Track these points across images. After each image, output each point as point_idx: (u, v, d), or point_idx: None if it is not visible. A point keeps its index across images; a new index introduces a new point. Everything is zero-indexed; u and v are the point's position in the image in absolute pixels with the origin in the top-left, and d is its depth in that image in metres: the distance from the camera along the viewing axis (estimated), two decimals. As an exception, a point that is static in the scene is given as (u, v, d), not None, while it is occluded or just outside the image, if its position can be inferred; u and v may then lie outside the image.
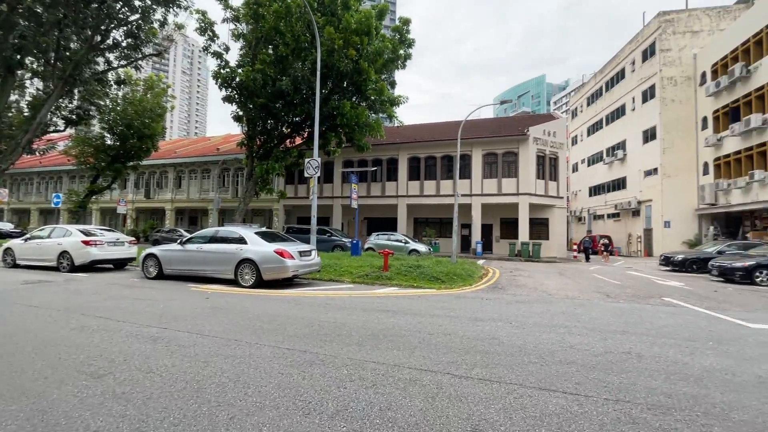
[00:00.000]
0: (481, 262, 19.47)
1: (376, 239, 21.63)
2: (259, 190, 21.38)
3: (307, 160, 12.63)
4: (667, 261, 18.30)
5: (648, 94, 30.01)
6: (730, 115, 23.99)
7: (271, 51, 19.57)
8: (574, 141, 44.36)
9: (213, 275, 9.69)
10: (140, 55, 19.17)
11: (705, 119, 26.46)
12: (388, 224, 27.98)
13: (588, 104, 41.87)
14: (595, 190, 38.93)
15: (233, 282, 9.36)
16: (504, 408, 3.11)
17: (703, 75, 26.63)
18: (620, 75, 34.72)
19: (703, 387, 3.66)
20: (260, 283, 9.01)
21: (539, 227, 26.62)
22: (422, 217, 29.35)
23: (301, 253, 9.52)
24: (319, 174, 12.67)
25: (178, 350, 4.41)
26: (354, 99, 20.33)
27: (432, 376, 3.76)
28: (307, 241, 12.06)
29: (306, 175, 12.56)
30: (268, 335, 5.07)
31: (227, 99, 19.97)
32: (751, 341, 5.46)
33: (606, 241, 28.71)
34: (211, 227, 11.86)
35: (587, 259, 24.25)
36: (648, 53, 30.23)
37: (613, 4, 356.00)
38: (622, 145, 33.75)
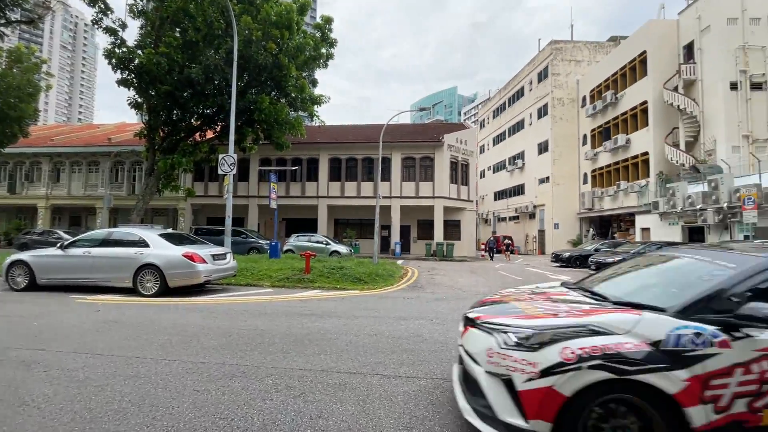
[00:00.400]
0: (400, 262, 20.11)
1: (296, 241, 20.98)
2: (162, 187, 19.19)
3: (221, 156, 11.70)
4: (556, 258, 21.00)
5: (542, 112, 34.17)
6: (603, 134, 28.51)
7: (178, 34, 17.72)
8: (482, 149, 48.47)
9: (105, 284, 8.40)
10: (3, 21, 15.83)
11: (585, 136, 31.03)
12: (307, 225, 27.35)
13: (494, 117, 46.12)
14: (499, 195, 43.02)
15: (131, 291, 8.23)
16: (432, 403, 3.23)
17: (584, 98, 31.21)
18: (520, 93, 38.94)
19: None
20: (165, 290, 8.07)
21: (452, 228, 28.46)
22: (343, 218, 29.30)
23: (215, 257, 8.78)
24: (234, 171, 11.83)
25: (61, 375, 3.71)
26: (273, 94, 19.45)
27: (361, 378, 3.75)
28: (220, 244, 11.17)
29: (220, 172, 11.63)
30: (178, 349, 4.56)
31: (123, 83, 17.53)
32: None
33: (508, 241, 31.72)
34: (102, 228, 10.30)
35: (491, 257, 26.31)
36: (542, 75, 34.42)
37: (516, 28, 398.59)
38: (521, 156, 37.85)
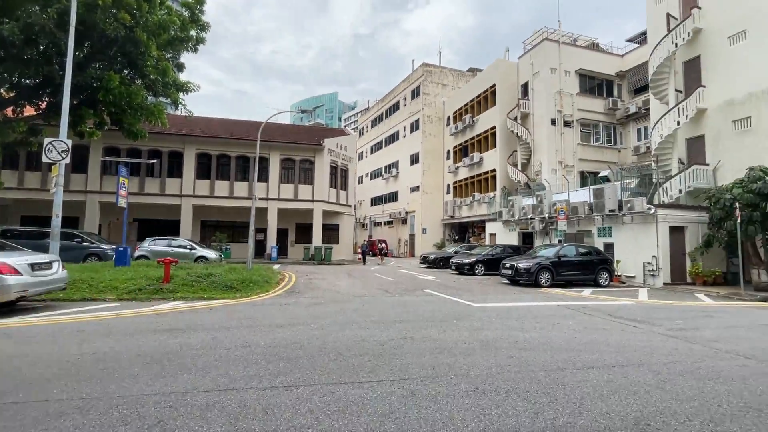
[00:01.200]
0: (276, 267, 19.32)
1: (152, 246, 18.19)
2: (-53, 175, 14.34)
3: (48, 140, 9.34)
4: (424, 260, 23.14)
5: (414, 126, 37.38)
6: (463, 151, 32.73)
7: (-19, -24, 13.57)
8: (361, 156, 50.29)
9: None
10: None
11: (449, 152, 35.11)
12: (168, 227, 23.99)
13: (372, 126, 48.40)
14: (376, 201, 45.25)
15: None
16: (310, 410, 3.20)
17: (449, 118, 35.33)
18: (396, 106, 41.84)
19: (453, 356, 4.82)
20: (-50, 313, 6.04)
21: (331, 232, 28.68)
22: (212, 220, 26.64)
23: (34, 266, 6.97)
24: (68, 160, 9.60)
25: None
26: (126, 74, 16.53)
27: (234, 394, 3.48)
28: (42, 249, 8.93)
29: (45, 159, 9.27)
30: (-26, 389, 3.48)
31: None
32: (476, 316, 7.58)
33: (382, 245, 32.96)
34: None
35: (364, 261, 26.33)
36: (415, 93, 37.70)
37: (393, 46, 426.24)
38: (396, 165, 40.61)
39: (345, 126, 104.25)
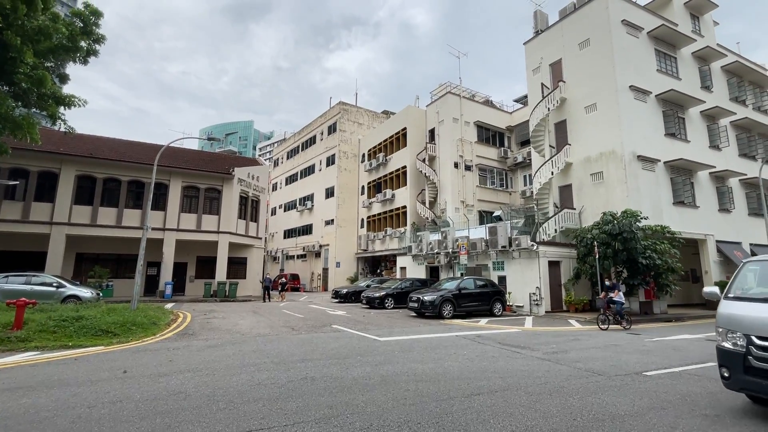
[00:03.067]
0: (170, 305, 17.29)
1: (2, 283, 14.94)
2: None
3: None
4: (336, 294, 22.85)
5: (330, 161, 37.92)
6: (376, 187, 34.01)
7: None
8: (275, 187, 48.87)
9: None
10: None
11: (363, 187, 36.16)
12: (30, 261, 20.01)
13: (288, 157, 47.77)
14: (289, 233, 43.90)
15: None
16: (186, 469, 2.91)
17: (363, 156, 36.68)
18: (313, 140, 42.16)
19: (352, 393, 4.82)
20: None
21: (237, 266, 26.82)
22: (91, 252, 22.99)
23: None
24: None
25: None
26: (-13, 79, 14.04)
27: (91, 461, 2.99)
28: None
29: None
30: None
31: None
32: (380, 351, 7.70)
33: (284, 279, 29.22)
34: None
35: (267, 298, 23.25)
36: (332, 129, 38.59)
37: (313, 82, 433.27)
38: (311, 198, 40.31)
39: (260, 155, 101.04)
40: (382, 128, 34.97)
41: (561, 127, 20.94)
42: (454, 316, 14.21)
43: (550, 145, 21.20)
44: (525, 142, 28.59)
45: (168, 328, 10.31)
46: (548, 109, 20.67)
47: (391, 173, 32.17)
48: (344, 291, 22.75)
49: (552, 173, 19.93)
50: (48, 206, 20.83)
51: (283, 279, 29.49)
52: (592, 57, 19.53)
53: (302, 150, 44.19)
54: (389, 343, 8.61)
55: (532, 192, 24.53)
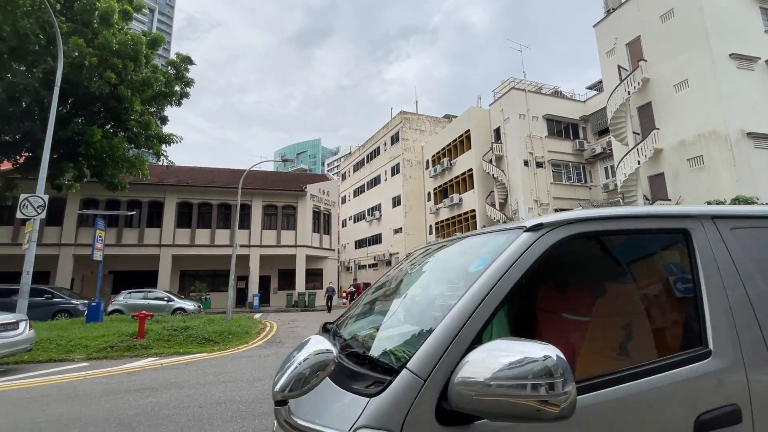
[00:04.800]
0: (258, 316, 18.81)
1: (127, 299, 17.59)
2: None
3: (24, 196, 9.30)
4: (409, 302, 22.87)
5: (395, 170, 38.50)
6: (443, 192, 33.67)
7: (-31, 40, 14.05)
8: (344, 200, 50.91)
9: None
10: None
11: (429, 194, 36.04)
12: (145, 279, 23.30)
13: (354, 170, 49.54)
14: (360, 243, 45.26)
15: None
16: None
17: (428, 162, 36.63)
18: (377, 151, 43.23)
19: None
20: None
21: (314, 277, 28.32)
22: (191, 269, 26.04)
23: None
24: (43, 215, 9.52)
25: None
26: (109, 127, 16.84)
27: (205, 455, 3.39)
28: (10, 308, 8.58)
29: (20, 215, 9.17)
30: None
31: None
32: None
33: (352, 288, 28.53)
34: None
35: (329, 308, 23.38)
36: (395, 139, 39.23)
37: (374, 95, 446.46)
38: (378, 208, 41.22)
39: (328, 171, 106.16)
40: (444, 133, 34.67)
41: (645, 111, 18.86)
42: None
43: (633, 132, 19.19)
44: (603, 131, 26.25)
45: (258, 337, 11.23)
46: (628, 92, 18.77)
47: (457, 177, 31.63)
48: (417, 299, 22.70)
49: (639, 162, 17.98)
50: (157, 231, 24.12)
51: (352, 288, 28.74)
52: (678, 28, 17.37)
53: (367, 162, 45.51)
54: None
55: (615, 185, 22.37)
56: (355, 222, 47.21)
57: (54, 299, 15.95)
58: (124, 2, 16.14)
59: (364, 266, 43.76)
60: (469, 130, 30.34)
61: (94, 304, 12.59)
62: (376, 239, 41.30)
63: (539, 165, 26.73)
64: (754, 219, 1.57)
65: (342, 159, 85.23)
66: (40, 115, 14.95)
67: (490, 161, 28.01)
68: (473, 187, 29.52)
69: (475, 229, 28.83)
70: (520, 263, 1.22)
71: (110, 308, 16.94)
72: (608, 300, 1.55)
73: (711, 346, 1.27)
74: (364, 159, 46.65)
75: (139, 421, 4.25)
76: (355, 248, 46.11)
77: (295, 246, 26.24)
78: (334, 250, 29.90)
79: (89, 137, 14.99)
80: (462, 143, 31.33)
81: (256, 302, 23.69)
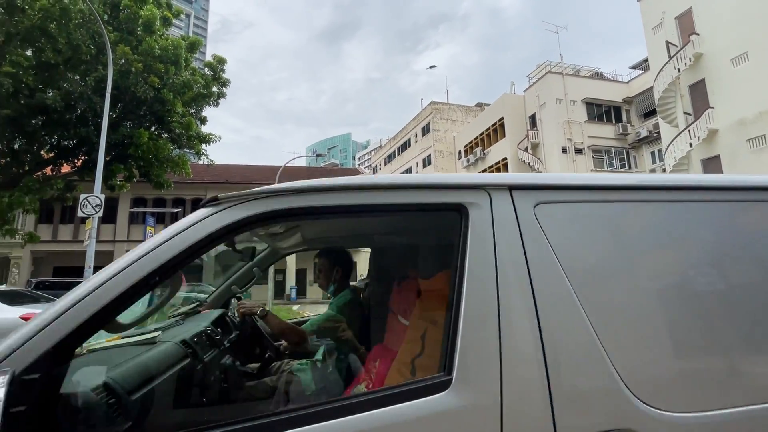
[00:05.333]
0: (296, 307, 19.39)
1: (188, 293, 18.64)
2: (-10, 232, 15.40)
3: (83, 196, 10.08)
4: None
5: (426, 161, 38.17)
6: (476, 183, 33.06)
7: (30, 53, 15.27)
8: (376, 193, 51.15)
9: None
10: None
11: (462, 184, 35.50)
12: (190, 274, 24.54)
13: (385, 163, 49.59)
14: (392, 236, 45.45)
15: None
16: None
17: (459, 152, 36.01)
18: (407, 143, 43.01)
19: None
20: (-10, 365, 6.35)
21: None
22: (232, 263, 27.23)
23: (68, 317, 7.31)
24: (100, 214, 10.27)
25: None
26: (153, 129, 17.80)
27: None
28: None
29: (80, 214, 9.95)
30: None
31: (-59, 102, 14.09)
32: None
33: None
34: None
35: None
36: (425, 130, 38.83)
37: (402, 86, 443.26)
38: (410, 200, 41.11)
39: (359, 164, 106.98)
40: (477, 122, 33.90)
41: (698, 89, 17.49)
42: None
43: (684, 113, 17.87)
44: (649, 113, 24.66)
45: (297, 327, 11.59)
46: (678, 70, 17.46)
47: (491, 167, 30.89)
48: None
49: (691, 145, 16.76)
50: (200, 227, 25.38)
51: None
52: (735, -4, 15.91)
53: (398, 154, 45.39)
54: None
55: (664, 170, 21.00)
56: (387, 215, 47.37)
57: (111, 291, 17.18)
58: (164, 9, 16.93)
59: (397, 259, 43.94)
60: (503, 118, 29.47)
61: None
62: (408, 232, 41.29)
63: (578, 151, 25.56)
64: (574, 191, 1.17)
65: (373, 152, 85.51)
66: (94, 121, 16.01)
67: (526, 149, 27.12)
68: (508, 177, 28.76)
69: (511, 219, 28.12)
70: (175, 243, 1.00)
71: (161, 300, 18.06)
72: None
73: (454, 373, 0.94)
74: (394, 152, 46.55)
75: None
76: (388, 241, 46.34)
77: (330, 239, 26.74)
78: (367, 243, 30.24)
79: (137, 139, 15.93)
80: (495, 131, 30.51)
81: (293, 294, 24.44)
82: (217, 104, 19.84)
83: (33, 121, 15.46)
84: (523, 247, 1.06)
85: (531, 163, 26.48)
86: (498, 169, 30.14)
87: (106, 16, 15.63)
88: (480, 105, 40.58)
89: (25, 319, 6.69)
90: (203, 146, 19.46)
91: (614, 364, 0.99)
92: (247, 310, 2.14)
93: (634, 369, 1.01)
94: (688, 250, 1.20)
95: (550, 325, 1.00)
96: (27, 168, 16.36)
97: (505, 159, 29.10)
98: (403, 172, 43.60)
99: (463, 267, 1.03)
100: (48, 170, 17.73)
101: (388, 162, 48.44)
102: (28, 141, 16.19)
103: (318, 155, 27.02)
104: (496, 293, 1.01)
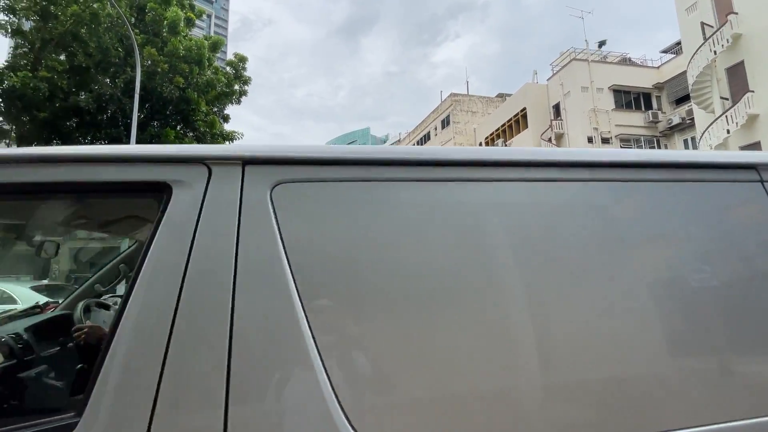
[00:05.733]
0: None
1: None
2: (32, 229, 16.25)
3: (116, 194, 10.50)
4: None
5: (447, 154, 37.75)
6: (498, 175, 32.47)
7: (64, 58, 15.94)
8: (395, 187, 51.10)
9: None
10: None
11: (483, 177, 34.94)
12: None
13: (405, 157, 49.38)
14: (413, 230, 45.32)
15: None
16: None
17: (480, 144, 35.40)
18: (427, 137, 42.63)
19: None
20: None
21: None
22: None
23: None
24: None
25: None
26: (179, 128, 18.32)
27: None
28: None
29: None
30: None
31: (-14, 107, 14.95)
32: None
33: None
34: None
35: None
36: (445, 122, 38.37)
37: (421, 79, 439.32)
38: (430, 193, 40.81)
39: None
40: (498, 113, 33.25)
41: (736, 72, 16.54)
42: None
43: (721, 98, 16.95)
44: (682, 99, 23.54)
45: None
46: (714, 52, 16.54)
47: (513, 159, 30.28)
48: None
49: (728, 131, 15.91)
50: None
51: None
52: (779, -29, 14.88)
53: (417, 148, 45.05)
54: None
55: (698, 159, 20.03)
56: (407, 209, 47.27)
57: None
58: (187, 10, 17.30)
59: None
60: (525, 108, 28.79)
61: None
62: (428, 226, 41.07)
63: (605, 141, 24.72)
64: (326, 167, 0.92)
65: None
66: (123, 121, 16.61)
67: (549, 140, 26.43)
68: (531, 169, 28.13)
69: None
70: None
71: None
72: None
73: (86, 411, 0.69)
74: (414, 145, 46.28)
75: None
76: (408, 235, 46.29)
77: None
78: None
79: (165, 139, 16.43)
80: (518, 122, 29.85)
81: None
82: (239, 102, 20.20)
83: (68, 123, 16.18)
84: (238, 242, 0.81)
85: (555, 154, 25.80)
86: (520, 161, 29.52)
87: (133, 19, 16.12)
88: (501, 95, 39.72)
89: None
90: (227, 144, 19.91)
91: (333, 386, 0.76)
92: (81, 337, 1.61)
93: (354, 393, 0.78)
94: (464, 242, 0.94)
95: (243, 350, 0.74)
96: (63, 168, 17.18)
97: (527, 150, 28.45)
98: (422, 166, 43.31)
99: (140, 271, 0.77)
100: (82, 170, 18.57)
101: (408, 156, 48.20)
102: (64, 142, 16.95)
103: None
104: (173, 308, 0.74)
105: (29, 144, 16.18)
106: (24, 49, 15.80)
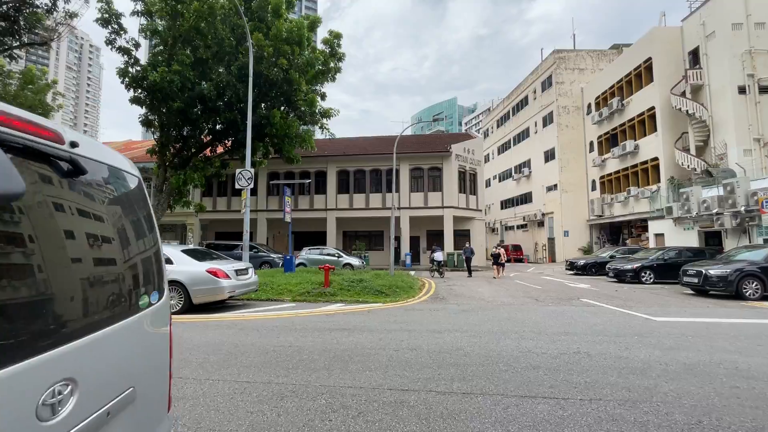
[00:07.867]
0: (412, 273, 19.94)
1: (308, 254, 20.87)
2: (174, 203, 19.20)
3: (238, 170, 11.71)
4: (571, 266, 20.76)
5: (547, 120, 34.27)
6: (611, 140, 28.49)
7: (189, 52, 17.99)
8: (487, 159, 48.53)
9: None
10: (17, 43, 16.09)
11: (591, 143, 31.02)
12: (315, 238, 27.28)
13: (498, 126, 46.30)
14: (506, 204, 42.89)
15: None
16: (498, 421, 3.10)
17: (589, 106, 31.30)
18: (524, 102, 39.15)
19: (649, 378, 4.10)
20: (189, 307, 7.98)
21: (462, 238, 28.25)
22: (352, 230, 29.21)
23: (238, 272, 8.69)
24: (252, 185, 11.83)
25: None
26: (283, 109, 19.61)
27: (416, 395, 3.62)
28: (235, 258, 11.10)
29: (237, 186, 11.63)
30: (219, 368, 4.45)
31: (136, 101, 17.72)
32: (662, 332, 6.35)
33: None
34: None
35: (469, 272, 20.54)
36: (546, 84, 34.64)
37: (513, 40, 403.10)
38: (527, 164, 37.85)
39: (467, 129, 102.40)
40: (612, 68, 28.84)
41: None
42: (762, 298, 10.35)
43: None
44: None
45: (421, 292, 11.85)
46: None
47: (632, 120, 26.21)
48: (581, 262, 20.39)
49: None
50: (323, 197, 27.64)
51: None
52: None
53: (513, 115, 41.84)
54: (671, 324, 7.02)
55: None
56: (500, 181, 44.75)
57: (259, 253, 20.13)
58: (287, -8, 17.96)
59: (511, 227, 41.59)
60: (650, 58, 24.40)
61: (288, 257, 15.32)
62: (525, 198, 38.41)
63: (764, 90, 19.83)
64: None
65: (481, 116, 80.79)
66: (237, 106, 18.31)
67: (683, 94, 22.12)
68: (656, 130, 24.04)
69: (657, 181, 23.68)
70: None
71: (296, 261, 20.42)
72: None
73: None
74: (508, 112, 43.02)
75: (350, 356, 4.88)
76: (501, 208, 44.00)
77: (442, 207, 26.48)
78: (481, 210, 29.09)
79: (272, 119, 17.73)
80: (639, 76, 25.53)
81: (408, 261, 25.20)
82: (334, 79, 20.72)
83: (195, 110, 18.44)
84: None
85: (690, 111, 21.53)
86: (642, 122, 25.36)
87: (242, 8, 17.35)
88: (616, 47, 34.25)
89: (210, 272, 8.12)
90: (325, 120, 20.77)
91: None
92: None
93: None
94: None
95: None
96: (193, 150, 19.77)
97: (652, 109, 24.26)
98: (519, 134, 40.16)
99: None
100: (207, 152, 21.18)
101: (501, 124, 45.12)
102: (192, 127, 19.42)
103: (435, 119, 26.31)
104: None
105: (168, 131, 18.92)
106: (159, 47, 18.18)
